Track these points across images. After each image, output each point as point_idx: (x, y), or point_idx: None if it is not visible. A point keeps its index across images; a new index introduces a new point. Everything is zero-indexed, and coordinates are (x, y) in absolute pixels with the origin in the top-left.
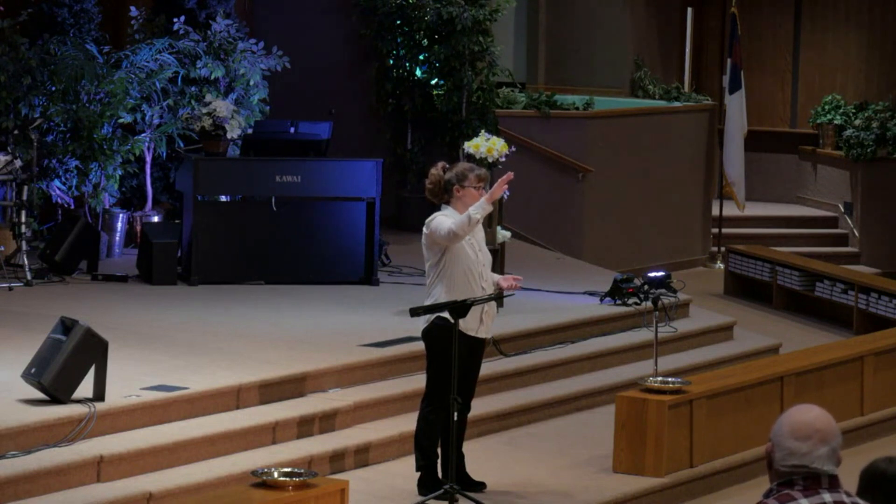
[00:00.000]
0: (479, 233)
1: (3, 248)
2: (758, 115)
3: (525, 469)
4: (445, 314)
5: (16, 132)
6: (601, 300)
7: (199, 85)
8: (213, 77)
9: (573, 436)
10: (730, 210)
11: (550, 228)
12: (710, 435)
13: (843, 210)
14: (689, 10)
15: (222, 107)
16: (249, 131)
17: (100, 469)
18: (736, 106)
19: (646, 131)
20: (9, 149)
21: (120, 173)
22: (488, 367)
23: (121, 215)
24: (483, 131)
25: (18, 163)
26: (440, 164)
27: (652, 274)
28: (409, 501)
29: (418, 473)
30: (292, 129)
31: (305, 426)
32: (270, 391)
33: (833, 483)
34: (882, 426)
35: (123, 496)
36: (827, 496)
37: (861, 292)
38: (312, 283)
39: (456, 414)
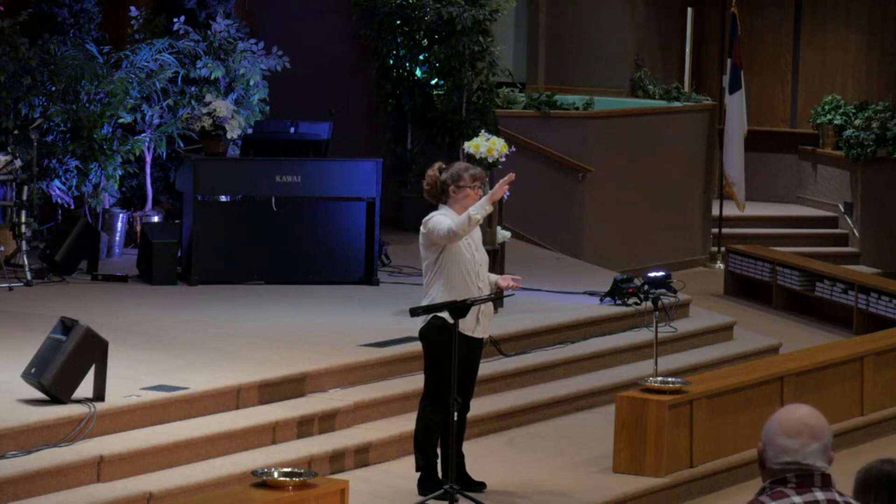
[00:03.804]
0: (476, 233)
1: (3, 248)
2: (758, 115)
3: (525, 469)
4: (443, 314)
5: (16, 132)
6: (601, 300)
7: (199, 85)
8: (213, 77)
9: (573, 436)
10: (730, 210)
11: (550, 228)
12: (710, 435)
13: (843, 210)
14: (689, 10)
15: (222, 107)
16: (249, 131)
17: (100, 469)
18: (736, 106)
19: (646, 131)
20: (9, 149)
21: (120, 173)
22: (488, 367)
23: (121, 215)
24: (483, 131)
25: (18, 163)
26: (436, 165)
27: (652, 274)
28: (409, 501)
29: (418, 474)
30: (292, 129)
31: (305, 426)
32: (270, 391)
33: (825, 482)
34: (882, 426)
35: (123, 496)
36: (819, 494)
37: (861, 292)
38: (312, 283)
39: (455, 414)
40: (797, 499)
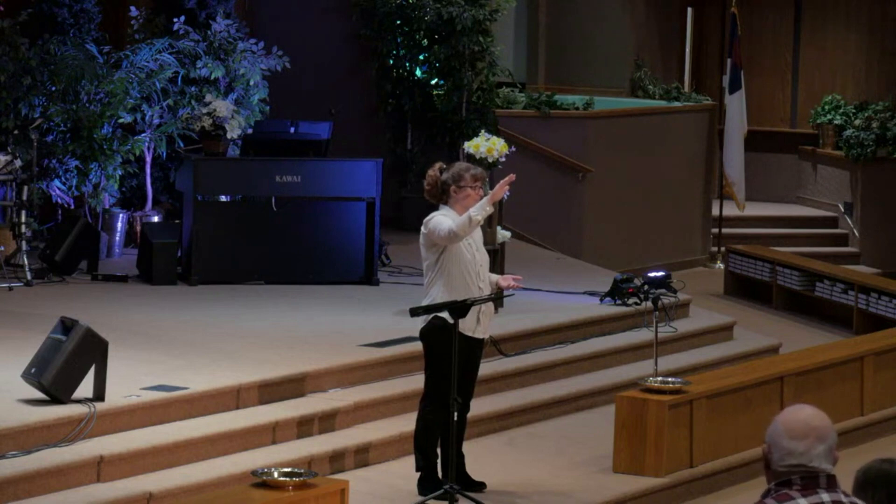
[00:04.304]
0: (477, 233)
1: (3, 248)
2: (758, 115)
3: (525, 469)
4: (443, 314)
5: (16, 132)
6: (601, 300)
7: (199, 85)
8: (213, 77)
9: (573, 436)
10: (730, 210)
11: (550, 228)
12: (710, 435)
13: (843, 210)
14: (689, 10)
15: (222, 107)
16: (249, 131)
17: (100, 469)
18: (736, 106)
19: (646, 131)
20: (9, 149)
21: (120, 173)
22: (488, 367)
23: (121, 215)
24: (483, 131)
25: (18, 163)
26: (437, 165)
27: (652, 274)
28: (409, 501)
29: (418, 474)
30: (292, 129)
31: (305, 426)
32: (270, 391)
33: (831, 483)
34: (882, 426)
35: (123, 496)
36: (825, 496)
37: (861, 292)
38: (312, 283)
39: (456, 414)
40: (802, 501)
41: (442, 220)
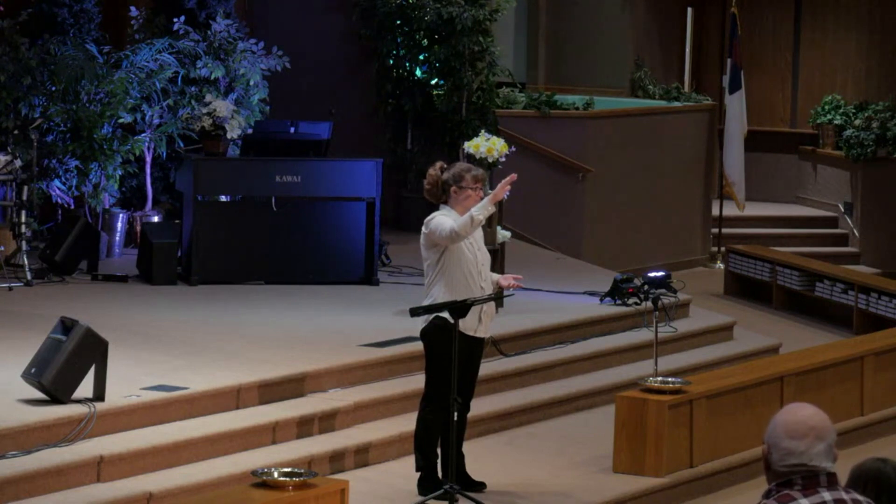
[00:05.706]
0: (478, 233)
1: (3, 248)
2: (758, 115)
3: (525, 469)
4: (444, 314)
5: (16, 132)
6: (601, 300)
7: (199, 85)
8: (213, 77)
9: (573, 436)
10: (730, 210)
11: (550, 228)
12: (710, 435)
13: (843, 210)
14: (689, 10)
15: (222, 107)
16: (249, 131)
17: (100, 469)
18: (736, 106)
19: (646, 131)
20: (9, 149)
21: (120, 173)
22: (488, 367)
23: (121, 215)
24: (483, 131)
25: (18, 163)
26: (438, 164)
27: (652, 274)
28: (409, 501)
29: (418, 474)
30: (292, 129)
31: (305, 426)
32: (270, 391)
33: (831, 481)
34: (882, 426)
35: (123, 496)
36: (826, 495)
37: (861, 292)
38: (312, 283)
39: (456, 414)
40: (804, 501)
41: (443, 220)
